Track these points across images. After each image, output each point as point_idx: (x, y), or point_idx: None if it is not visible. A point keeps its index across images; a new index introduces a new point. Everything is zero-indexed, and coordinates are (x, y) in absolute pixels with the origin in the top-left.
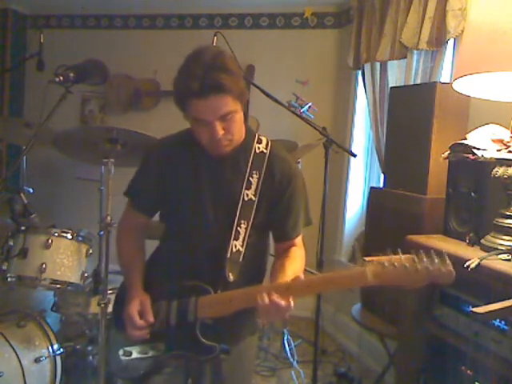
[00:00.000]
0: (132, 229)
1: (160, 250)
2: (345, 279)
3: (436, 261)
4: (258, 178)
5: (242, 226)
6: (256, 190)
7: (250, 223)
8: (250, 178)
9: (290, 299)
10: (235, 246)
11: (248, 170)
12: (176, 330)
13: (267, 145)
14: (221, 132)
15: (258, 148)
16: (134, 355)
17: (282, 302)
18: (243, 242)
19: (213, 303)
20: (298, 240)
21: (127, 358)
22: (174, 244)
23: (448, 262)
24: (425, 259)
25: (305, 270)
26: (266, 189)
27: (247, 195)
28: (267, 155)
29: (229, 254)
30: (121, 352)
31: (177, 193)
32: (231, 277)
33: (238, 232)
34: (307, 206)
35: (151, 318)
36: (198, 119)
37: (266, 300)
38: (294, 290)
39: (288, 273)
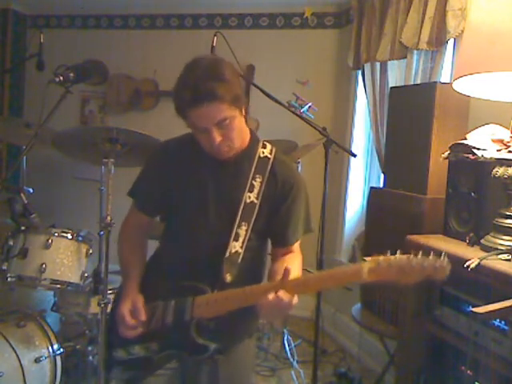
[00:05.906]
0: (134, 228)
1: (160, 249)
2: (341, 276)
3: (431, 256)
4: (261, 182)
5: (243, 227)
6: (258, 194)
7: (251, 226)
8: (253, 181)
9: (294, 296)
10: (234, 247)
11: (251, 173)
12: (171, 329)
13: (271, 150)
14: (218, 138)
15: (263, 153)
16: (129, 356)
17: (286, 298)
18: (243, 244)
19: (209, 302)
20: (296, 246)
21: (122, 358)
22: (175, 244)
23: (443, 257)
24: (420, 256)
25: (305, 269)
26: (269, 193)
27: (249, 198)
28: (271, 160)
29: (227, 255)
30: (115, 353)
31: (180, 194)
32: (228, 278)
33: (237, 233)
34: (309, 214)
35: (142, 317)
36: (196, 127)
37: (271, 296)
38: (291, 288)
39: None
